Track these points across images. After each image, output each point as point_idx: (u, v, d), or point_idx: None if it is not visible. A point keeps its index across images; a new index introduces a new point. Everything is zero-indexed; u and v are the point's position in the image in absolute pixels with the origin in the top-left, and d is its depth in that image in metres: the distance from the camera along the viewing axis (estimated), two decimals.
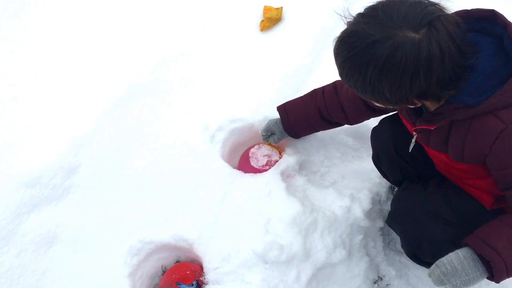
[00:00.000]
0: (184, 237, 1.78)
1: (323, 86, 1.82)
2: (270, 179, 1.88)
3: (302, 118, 1.84)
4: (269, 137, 1.98)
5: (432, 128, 1.20)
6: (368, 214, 1.85)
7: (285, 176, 1.97)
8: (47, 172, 1.93)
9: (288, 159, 1.97)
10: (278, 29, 2.49)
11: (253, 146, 2.06)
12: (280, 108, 1.91)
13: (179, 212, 1.84)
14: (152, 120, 2.13)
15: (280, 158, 2.02)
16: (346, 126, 2.00)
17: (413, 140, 1.37)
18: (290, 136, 1.98)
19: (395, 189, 2.02)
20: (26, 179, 1.90)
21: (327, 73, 2.12)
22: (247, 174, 1.96)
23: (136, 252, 1.77)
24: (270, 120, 1.97)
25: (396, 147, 1.59)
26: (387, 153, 1.64)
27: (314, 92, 1.83)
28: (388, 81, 1.01)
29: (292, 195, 1.83)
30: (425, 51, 0.96)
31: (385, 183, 2.00)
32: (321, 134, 2.06)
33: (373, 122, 1.86)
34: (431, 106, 1.19)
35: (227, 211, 1.81)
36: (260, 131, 2.01)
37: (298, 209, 1.75)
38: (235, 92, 2.22)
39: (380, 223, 1.92)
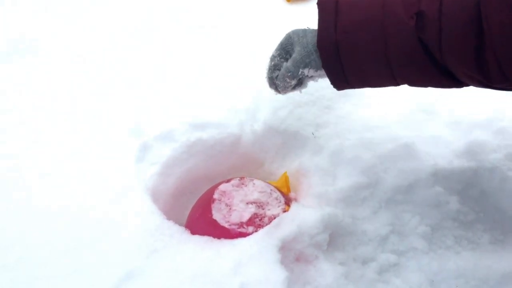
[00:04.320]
0: None
1: None
2: (251, 257, 0.75)
3: (373, 30, 0.69)
4: (278, 70, 0.81)
5: None
6: None
7: (292, 256, 0.80)
8: None
9: (305, 215, 0.81)
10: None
11: (228, 181, 0.90)
12: (326, 1, 0.74)
13: None
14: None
15: (285, 210, 0.85)
16: (441, 165, 0.93)
17: None
18: (332, 75, 0.75)
19: None
20: None
21: None
22: (197, 238, 0.80)
23: None
24: (294, 30, 0.80)
25: None
26: None
27: None
28: None
29: None
30: None
31: None
32: (392, 165, 0.90)
33: None
34: None
35: None
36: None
37: None
38: (220, 77, 1.13)
39: None
